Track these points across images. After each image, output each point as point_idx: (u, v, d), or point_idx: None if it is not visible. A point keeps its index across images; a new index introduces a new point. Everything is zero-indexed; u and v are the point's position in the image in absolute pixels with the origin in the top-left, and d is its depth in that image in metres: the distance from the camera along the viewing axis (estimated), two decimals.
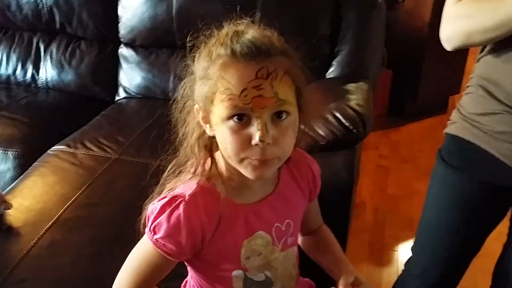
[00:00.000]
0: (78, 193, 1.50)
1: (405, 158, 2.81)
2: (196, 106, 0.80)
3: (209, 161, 0.83)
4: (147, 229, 0.83)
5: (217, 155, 0.83)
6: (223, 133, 0.75)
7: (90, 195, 1.51)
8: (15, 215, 1.42)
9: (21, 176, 1.65)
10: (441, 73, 3.08)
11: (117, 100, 2.23)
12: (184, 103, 0.83)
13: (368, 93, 1.75)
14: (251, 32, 0.76)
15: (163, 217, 0.80)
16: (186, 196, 0.80)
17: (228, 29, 0.78)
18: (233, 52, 0.74)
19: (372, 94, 1.83)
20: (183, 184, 0.83)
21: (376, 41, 2.02)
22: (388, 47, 2.70)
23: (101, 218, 1.42)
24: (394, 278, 1.87)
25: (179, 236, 0.80)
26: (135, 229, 1.31)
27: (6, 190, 1.57)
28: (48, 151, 1.74)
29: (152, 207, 0.82)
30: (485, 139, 1.05)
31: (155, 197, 0.84)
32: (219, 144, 0.78)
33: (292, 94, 0.76)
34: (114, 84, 2.25)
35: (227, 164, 0.81)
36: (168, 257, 0.82)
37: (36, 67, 2.30)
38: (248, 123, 0.74)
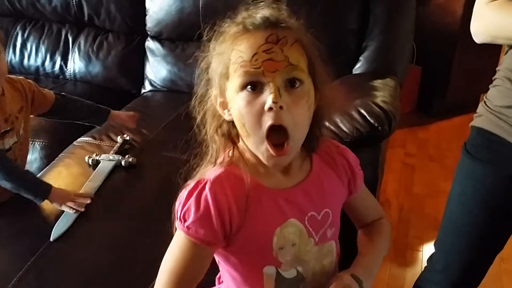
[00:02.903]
0: (102, 185, 1.51)
1: (433, 157, 2.76)
2: (214, 93, 0.80)
3: (230, 148, 0.82)
4: (177, 222, 0.80)
5: (241, 144, 0.82)
6: (238, 106, 0.76)
7: (114, 187, 1.52)
8: (40, 205, 1.45)
9: (47, 167, 1.68)
10: (472, 70, 3.00)
11: (143, 93, 2.25)
12: (202, 93, 0.83)
13: (395, 89, 1.72)
14: (263, 11, 0.78)
15: (191, 201, 0.78)
16: (211, 177, 0.79)
17: (242, 13, 0.80)
18: (244, 26, 0.76)
19: (400, 91, 1.80)
20: (208, 172, 0.81)
21: (404, 37, 1.98)
22: (418, 43, 2.65)
23: (124, 210, 1.44)
24: None
25: (210, 218, 0.77)
26: (159, 221, 1.33)
27: None
28: (74, 143, 1.76)
29: (179, 198, 0.80)
30: (510, 131, 1.04)
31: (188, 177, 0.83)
32: (237, 123, 0.78)
33: (304, 63, 0.77)
34: (140, 77, 2.27)
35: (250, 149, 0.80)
36: (202, 244, 0.78)
37: (64, 59, 2.34)
38: (261, 92, 0.74)
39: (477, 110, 1.15)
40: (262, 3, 0.79)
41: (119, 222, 1.38)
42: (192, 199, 0.78)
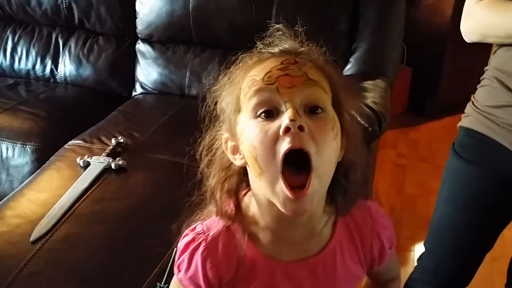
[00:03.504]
0: (93, 188, 1.51)
1: (424, 157, 2.77)
2: (224, 136, 0.72)
3: (233, 203, 0.74)
4: (175, 265, 0.78)
5: (248, 197, 0.74)
6: (250, 136, 0.65)
7: (105, 189, 1.52)
8: (31, 208, 1.44)
9: (38, 170, 1.67)
10: (462, 71, 3.02)
11: (133, 96, 2.24)
12: (209, 141, 0.75)
13: (385, 91, 1.73)
14: (282, 44, 0.71)
15: (185, 256, 0.74)
16: (209, 236, 0.72)
17: (257, 45, 0.73)
18: (259, 58, 0.69)
19: (390, 92, 1.81)
20: (209, 219, 0.75)
21: (394, 38, 1.99)
22: (409, 44, 2.67)
23: (115, 212, 1.43)
24: None
25: (198, 281, 0.73)
26: (148, 223, 1.34)
27: (23, 184, 1.59)
28: (65, 146, 1.75)
29: (180, 243, 0.76)
30: (499, 131, 1.05)
31: (187, 222, 0.78)
32: (249, 159, 0.66)
33: (327, 86, 0.67)
34: (131, 80, 2.26)
35: (263, 207, 0.70)
36: None
37: (55, 62, 2.32)
38: (277, 118, 0.64)
39: (465, 110, 1.16)
40: (279, 32, 0.72)
41: (108, 224, 1.38)
42: (186, 254, 0.74)
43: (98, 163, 1.58)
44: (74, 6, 2.25)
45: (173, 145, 1.66)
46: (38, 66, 2.34)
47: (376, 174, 2.35)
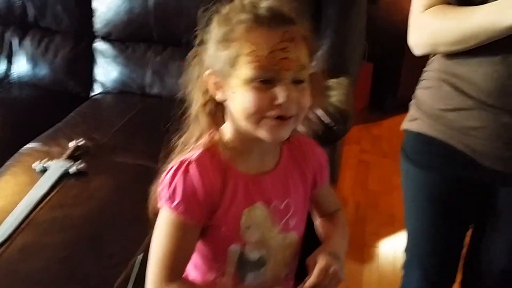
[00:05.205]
0: (51, 194, 1.46)
1: (386, 153, 2.81)
2: (207, 72, 0.82)
3: (211, 130, 0.86)
4: (164, 201, 0.84)
5: (223, 127, 0.86)
6: (244, 94, 0.78)
7: (64, 195, 1.47)
8: None
9: None
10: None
11: (92, 96, 2.18)
12: (196, 74, 0.85)
13: (349, 88, 1.73)
14: (268, 1, 0.80)
15: (177, 180, 0.82)
16: (193, 158, 0.83)
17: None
18: (256, 17, 0.78)
19: (353, 89, 1.82)
20: (189, 151, 0.86)
21: (356, 36, 2.00)
22: (369, 40, 2.69)
23: (75, 219, 1.40)
24: (375, 274, 1.87)
25: (197, 196, 0.82)
26: (109, 229, 1.31)
27: None
28: (21, 150, 1.70)
29: (164, 180, 0.84)
30: (453, 135, 1.04)
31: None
32: (235, 106, 0.81)
33: (308, 61, 0.81)
34: (89, 79, 2.20)
35: (234, 131, 0.84)
36: (192, 220, 0.83)
37: (9, 62, 2.25)
38: (271, 86, 0.78)
39: (410, 114, 1.15)
40: None
41: (68, 232, 1.34)
42: (179, 178, 0.82)
43: (56, 167, 1.53)
44: (28, 4, 2.18)
45: (134, 147, 1.63)
46: None
47: (342, 170, 2.37)
